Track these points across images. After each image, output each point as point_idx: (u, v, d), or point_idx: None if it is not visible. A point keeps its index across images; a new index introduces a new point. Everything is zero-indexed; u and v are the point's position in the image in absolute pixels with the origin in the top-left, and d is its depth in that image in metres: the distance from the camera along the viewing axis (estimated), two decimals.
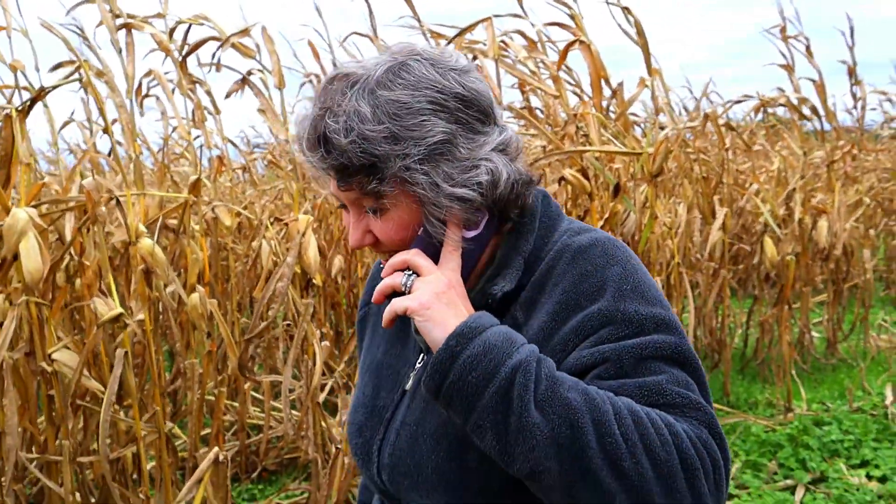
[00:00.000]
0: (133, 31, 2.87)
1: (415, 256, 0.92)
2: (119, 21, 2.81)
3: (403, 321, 0.97)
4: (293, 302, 2.70)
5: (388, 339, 1.09)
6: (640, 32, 3.23)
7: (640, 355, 0.85)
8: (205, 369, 2.86)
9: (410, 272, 0.92)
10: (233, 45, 2.68)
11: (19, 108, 2.20)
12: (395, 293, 0.92)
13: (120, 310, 1.95)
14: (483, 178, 0.90)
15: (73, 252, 2.32)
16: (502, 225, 0.98)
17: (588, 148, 3.20)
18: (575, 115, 3.33)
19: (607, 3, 3.28)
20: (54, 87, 2.22)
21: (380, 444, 1.00)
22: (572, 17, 3.29)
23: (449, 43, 2.83)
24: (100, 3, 2.74)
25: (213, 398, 2.96)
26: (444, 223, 0.92)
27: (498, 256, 0.97)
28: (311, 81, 4.08)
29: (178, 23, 2.89)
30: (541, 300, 0.93)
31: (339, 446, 2.35)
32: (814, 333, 4.79)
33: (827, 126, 4.87)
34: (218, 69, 2.81)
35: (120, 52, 2.77)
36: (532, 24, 3.46)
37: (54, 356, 2.00)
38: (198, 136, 3.31)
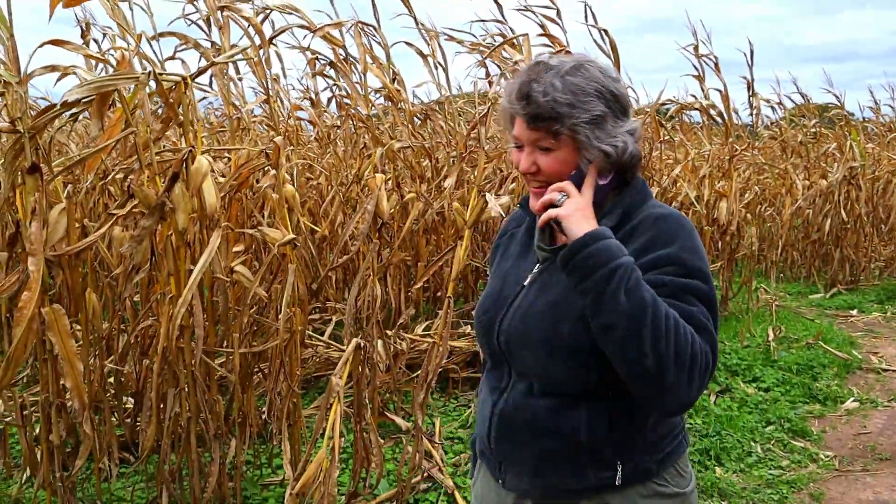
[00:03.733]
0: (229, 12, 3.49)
1: (568, 185, 1.33)
2: (220, 3, 3.43)
3: (528, 244, 1.48)
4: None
5: (515, 256, 1.53)
6: (614, 49, 4.17)
7: (687, 289, 1.25)
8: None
9: (563, 194, 1.32)
10: (323, 36, 3.35)
11: (192, 75, 2.81)
12: (552, 205, 1.32)
13: (293, 235, 2.66)
14: (619, 143, 1.32)
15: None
16: (618, 186, 1.39)
17: None
18: None
19: (588, 25, 4.20)
20: (226, 61, 2.85)
21: (501, 320, 1.42)
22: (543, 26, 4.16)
23: (487, 56, 3.63)
24: None
25: None
26: (586, 170, 1.33)
27: (607, 206, 1.39)
28: (317, 60, 4.75)
29: (268, 9, 3.51)
30: (630, 242, 1.31)
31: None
32: None
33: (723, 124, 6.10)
34: (303, 52, 3.47)
35: (220, 29, 3.40)
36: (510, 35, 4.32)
37: (236, 268, 2.68)
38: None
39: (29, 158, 2.54)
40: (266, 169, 2.86)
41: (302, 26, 3.49)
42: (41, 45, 2.65)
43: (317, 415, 3.85)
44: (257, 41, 3.57)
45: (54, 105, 2.61)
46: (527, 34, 3.44)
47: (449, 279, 2.88)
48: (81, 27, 4.34)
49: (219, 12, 3.44)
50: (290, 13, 3.53)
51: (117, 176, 2.99)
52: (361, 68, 3.51)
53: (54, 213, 2.64)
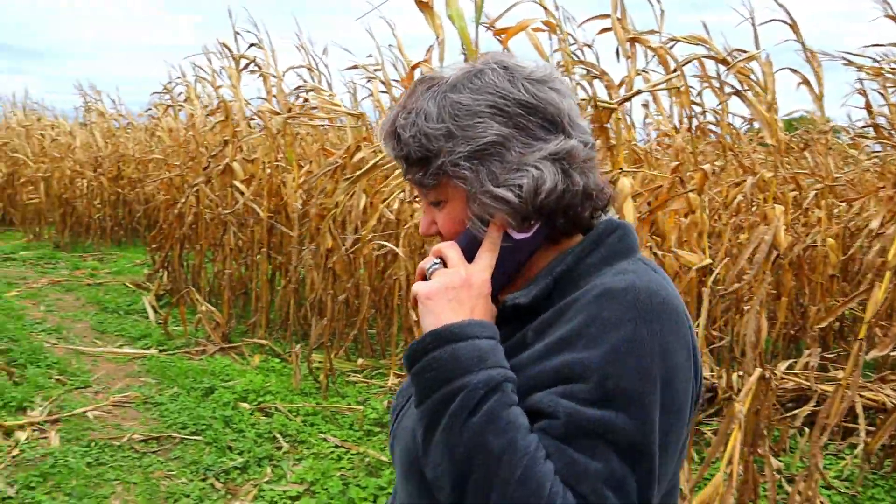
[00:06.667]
0: (636, 43, 3.70)
1: (448, 248, 0.94)
2: (629, 35, 3.65)
3: None
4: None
5: None
6: None
7: (591, 429, 0.79)
8: None
9: (437, 261, 0.94)
10: (738, 71, 3.41)
11: (618, 103, 3.06)
12: (425, 276, 0.95)
13: (709, 260, 2.77)
14: (524, 182, 0.90)
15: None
16: (562, 238, 0.97)
17: None
18: None
19: None
20: (651, 89, 3.05)
21: (397, 416, 1.07)
22: None
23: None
24: (614, 21, 3.57)
25: None
26: (487, 223, 0.93)
27: (542, 270, 0.96)
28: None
29: (674, 40, 3.67)
30: (553, 329, 0.88)
31: None
32: None
33: None
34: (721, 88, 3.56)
35: (628, 58, 3.61)
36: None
37: None
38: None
39: None
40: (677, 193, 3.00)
41: (710, 57, 3.57)
42: None
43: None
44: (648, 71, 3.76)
45: None
46: None
47: (815, 321, 2.76)
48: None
49: (627, 43, 3.68)
50: (698, 44, 3.65)
51: None
52: (769, 98, 3.50)
53: None
